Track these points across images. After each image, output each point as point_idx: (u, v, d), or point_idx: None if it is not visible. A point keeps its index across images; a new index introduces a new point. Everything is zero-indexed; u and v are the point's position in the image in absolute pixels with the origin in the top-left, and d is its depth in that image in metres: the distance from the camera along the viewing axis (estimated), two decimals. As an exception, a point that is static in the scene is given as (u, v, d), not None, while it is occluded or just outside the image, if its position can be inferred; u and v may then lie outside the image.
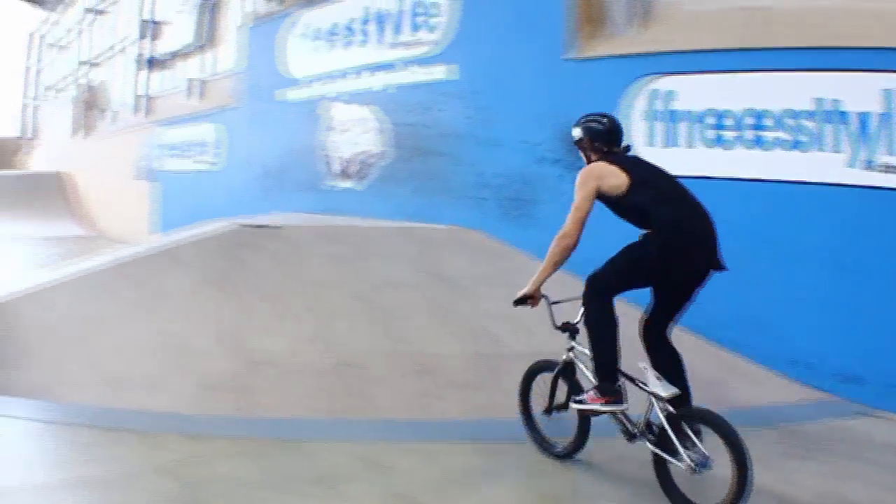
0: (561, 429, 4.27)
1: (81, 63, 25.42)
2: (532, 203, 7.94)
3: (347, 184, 10.65)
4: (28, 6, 35.41)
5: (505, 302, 4.36)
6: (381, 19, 10.08)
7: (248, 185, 12.69)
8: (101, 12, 24.67)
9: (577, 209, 3.85)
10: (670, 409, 3.61)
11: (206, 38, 16.49)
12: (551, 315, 4.13)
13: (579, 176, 3.95)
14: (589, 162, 4.12)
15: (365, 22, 10.36)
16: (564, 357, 4.19)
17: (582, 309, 3.92)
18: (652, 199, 3.78)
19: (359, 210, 10.14)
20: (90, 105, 24.20)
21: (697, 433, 3.53)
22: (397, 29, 9.82)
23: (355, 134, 10.47)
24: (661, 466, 3.66)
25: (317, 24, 11.32)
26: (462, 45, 8.94)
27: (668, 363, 3.86)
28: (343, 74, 10.74)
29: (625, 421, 3.87)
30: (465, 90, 8.79)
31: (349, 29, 10.66)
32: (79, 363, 5.46)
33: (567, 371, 4.19)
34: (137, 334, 5.84)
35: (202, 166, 14.73)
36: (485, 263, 7.60)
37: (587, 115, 4.23)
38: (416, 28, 9.54)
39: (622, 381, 3.83)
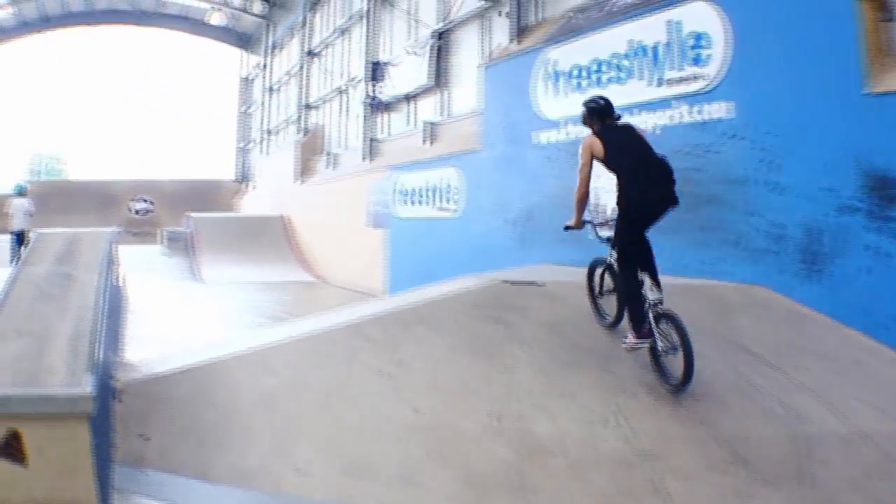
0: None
1: (299, 106, 27.73)
2: (831, 258, 7.61)
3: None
4: (241, 52, 39.34)
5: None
6: (644, 53, 10.09)
7: (492, 234, 12.91)
8: (317, 55, 26.88)
9: (581, 170, 6.34)
10: (658, 309, 5.89)
11: (440, 79, 17.31)
12: (596, 233, 6.86)
13: (581, 145, 6.37)
14: (592, 132, 6.41)
15: (626, 57, 10.40)
16: (608, 261, 6.69)
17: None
18: (618, 158, 6.15)
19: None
20: (309, 148, 26.23)
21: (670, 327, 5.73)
22: (664, 64, 9.80)
23: (621, 179, 10.49)
24: (652, 349, 5.93)
25: (571, 60, 11.49)
26: (739, 80, 8.73)
27: (647, 258, 6.17)
28: (604, 115, 10.85)
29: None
30: (747, 130, 8.58)
31: (608, 65, 10.75)
32: (307, 444, 4.95)
33: (610, 270, 6.72)
34: (382, 411, 5.34)
35: (444, 214, 15.10)
36: (787, 328, 7.25)
37: (590, 98, 6.81)
38: (685, 62, 9.46)
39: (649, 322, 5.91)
